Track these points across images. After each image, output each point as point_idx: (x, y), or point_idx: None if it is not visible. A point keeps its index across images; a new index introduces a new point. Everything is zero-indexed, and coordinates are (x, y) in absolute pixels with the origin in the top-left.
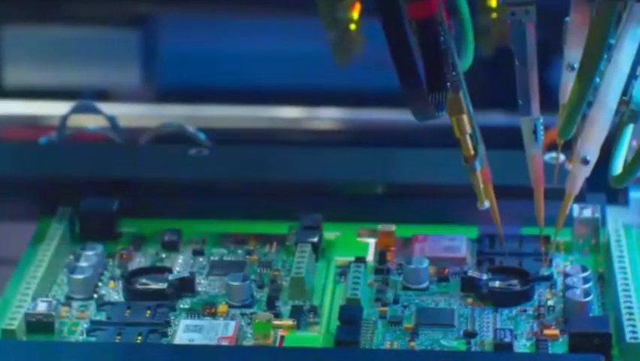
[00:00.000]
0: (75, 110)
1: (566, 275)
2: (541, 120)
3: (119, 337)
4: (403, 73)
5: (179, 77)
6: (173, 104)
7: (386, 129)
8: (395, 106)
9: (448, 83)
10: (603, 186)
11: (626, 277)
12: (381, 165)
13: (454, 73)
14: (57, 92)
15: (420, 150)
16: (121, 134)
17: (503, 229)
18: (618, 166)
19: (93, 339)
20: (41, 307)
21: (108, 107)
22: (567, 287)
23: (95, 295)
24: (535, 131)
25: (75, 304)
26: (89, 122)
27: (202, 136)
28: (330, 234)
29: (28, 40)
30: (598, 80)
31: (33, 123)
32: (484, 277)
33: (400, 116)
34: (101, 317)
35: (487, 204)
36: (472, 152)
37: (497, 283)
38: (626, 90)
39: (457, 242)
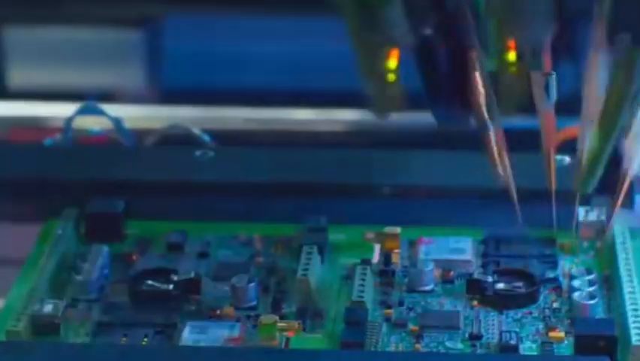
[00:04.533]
0: (80, 112)
1: (571, 277)
2: (553, 76)
3: (124, 338)
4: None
5: (185, 79)
6: (178, 105)
7: (391, 131)
8: None
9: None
10: (609, 188)
11: (631, 279)
12: (386, 166)
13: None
14: (62, 94)
15: (425, 152)
16: (126, 136)
17: (509, 231)
18: None
19: (98, 341)
20: (47, 308)
21: (113, 109)
22: (573, 289)
23: (101, 297)
24: (546, 87)
25: (81, 305)
26: (94, 123)
27: (208, 138)
28: (336, 236)
29: (32, 41)
30: None
31: (38, 125)
32: (490, 279)
33: (405, 118)
34: (107, 318)
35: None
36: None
37: (503, 286)
38: None
39: (462, 244)
